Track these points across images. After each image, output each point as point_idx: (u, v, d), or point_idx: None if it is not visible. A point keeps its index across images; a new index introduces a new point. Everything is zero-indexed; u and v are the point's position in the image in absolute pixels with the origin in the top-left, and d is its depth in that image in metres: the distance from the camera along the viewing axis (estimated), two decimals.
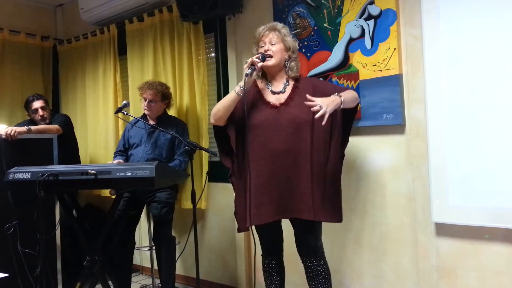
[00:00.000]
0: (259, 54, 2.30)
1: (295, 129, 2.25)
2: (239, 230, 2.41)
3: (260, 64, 2.26)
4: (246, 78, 2.23)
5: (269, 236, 2.44)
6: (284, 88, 2.36)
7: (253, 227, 2.38)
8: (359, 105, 2.67)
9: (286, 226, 2.44)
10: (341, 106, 2.18)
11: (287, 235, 2.49)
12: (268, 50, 2.32)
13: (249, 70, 2.23)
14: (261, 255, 2.51)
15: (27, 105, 3.73)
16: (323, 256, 2.38)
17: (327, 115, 2.07)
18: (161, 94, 3.33)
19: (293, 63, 2.37)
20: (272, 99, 2.34)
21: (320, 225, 2.35)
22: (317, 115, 2.06)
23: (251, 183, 2.29)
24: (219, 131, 2.44)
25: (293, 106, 2.29)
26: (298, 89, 2.34)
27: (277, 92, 2.36)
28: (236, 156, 2.37)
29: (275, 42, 2.34)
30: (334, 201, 2.32)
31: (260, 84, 2.42)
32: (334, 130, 2.30)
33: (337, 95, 2.20)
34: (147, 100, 3.29)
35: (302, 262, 2.38)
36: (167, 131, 3.09)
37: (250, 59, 2.26)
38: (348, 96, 2.24)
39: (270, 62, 2.31)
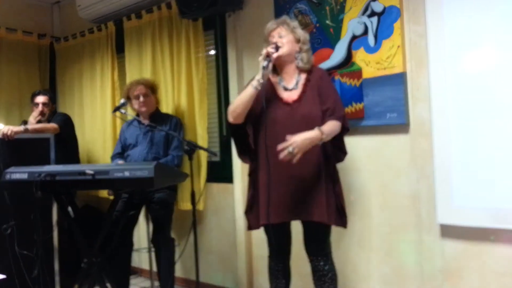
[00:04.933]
0: (273, 44, 2.25)
1: (308, 126, 2.20)
2: (250, 228, 2.38)
3: (275, 55, 2.22)
4: (263, 70, 2.18)
5: (277, 237, 2.39)
6: (296, 83, 2.32)
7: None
8: (363, 104, 2.66)
9: (293, 227, 2.42)
10: (321, 142, 2.14)
11: (293, 235, 2.47)
12: (277, 42, 2.28)
13: (265, 63, 2.19)
14: (268, 256, 2.48)
15: (32, 97, 3.79)
16: (331, 257, 2.36)
17: (296, 157, 2.07)
18: (150, 87, 3.33)
19: (304, 54, 2.33)
20: (285, 95, 2.31)
21: (329, 226, 2.32)
22: (282, 155, 2.07)
23: (261, 181, 2.27)
24: (235, 129, 2.40)
25: (306, 102, 2.26)
26: (310, 83, 2.31)
27: (290, 89, 2.32)
28: (254, 153, 2.36)
29: (284, 35, 2.31)
30: (342, 204, 2.30)
31: (273, 78, 2.37)
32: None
33: (320, 130, 2.14)
34: (140, 95, 3.25)
35: (310, 262, 2.36)
36: (162, 128, 3.10)
37: (265, 50, 2.22)
38: (332, 130, 2.19)
39: (280, 52, 2.26)
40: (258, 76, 2.20)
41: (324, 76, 2.36)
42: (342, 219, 2.30)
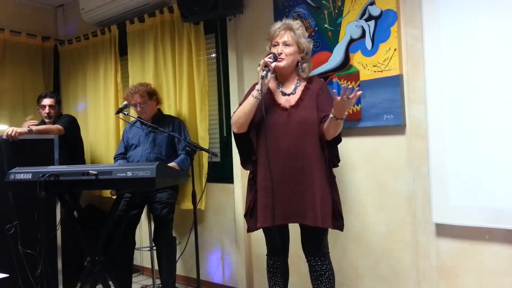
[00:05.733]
0: (271, 54, 2.27)
1: (304, 131, 2.24)
2: (249, 230, 2.41)
3: (273, 65, 2.24)
4: (262, 80, 2.20)
5: (275, 237, 2.43)
6: (295, 89, 2.34)
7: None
8: (360, 105, 2.69)
9: (291, 226, 2.44)
10: (339, 119, 2.14)
11: (291, 236, 2.49)
12: (281, 53, 2.29)
13: (264, 72, 2.20)
14: (266, 255, 2.50)
15: (38, 99, 3.81)
16: (328, 256, 2.38)
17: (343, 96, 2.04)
18: (146, 93, 3.34)
19: (305, 65, 2.35)
20: (282, 100, 2.33)
21: (326, 227, 2.33)
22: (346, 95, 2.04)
23: (259, 185, 2.30)
24: (239, 139, 2.41)
25: (303, 108, 2.27)
26: (309, 90, 2.32)
27: (288, 94, 2.34)
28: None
29: (289, 44, 2.31)
30: (339, 208, 2.31)
31: (271, 84, 2.39)
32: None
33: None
34: (138, 104, 3.29)
35: (307, 261, 2.38)
36: (164, 130, 3.12)
37: (263, 61, 2.24)
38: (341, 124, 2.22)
39: (281, 63, 2.29)
40: (258, 86, 2.23)
41: (324, 88, 2.38)
42: (339, 222, 2.32)
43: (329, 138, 2.24)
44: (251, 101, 2.27)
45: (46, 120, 3.69)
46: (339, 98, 2.05)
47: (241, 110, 2.31)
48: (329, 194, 2.27)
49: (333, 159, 2.34)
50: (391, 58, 2.59)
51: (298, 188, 2.23)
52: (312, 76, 2.46)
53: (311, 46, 2.42)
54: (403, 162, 2.63)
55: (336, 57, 2.81)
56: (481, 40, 2.31)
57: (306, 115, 2.25)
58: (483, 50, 2.30)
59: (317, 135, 2.26)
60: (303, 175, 2.24)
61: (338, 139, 2.30)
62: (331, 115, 2.13)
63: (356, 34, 2.73)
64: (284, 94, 2.35)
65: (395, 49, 2.58)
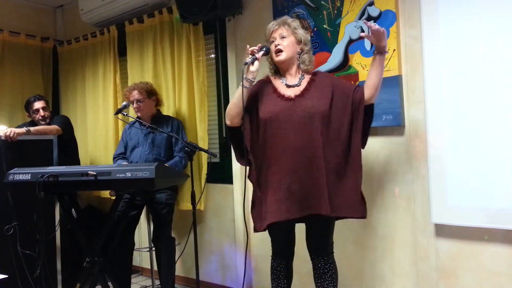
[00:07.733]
0: (260, 44, 2.27)
1: (310, 120, 2.19)
2: (256, 230, 2.31)
3: (261, 53, 2.23)
4: (246, 67, 2.20)
5: (281, 238, 2.40)
6: (300, 81, 2.32)
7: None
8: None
9: (296, 227, 2.42)
10: (383, 53, 2.19)
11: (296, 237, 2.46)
12: (279, 44, 2.28)
13: (249, 59, 2.20)
14: (271, 256, 2.46)
15: (28, 105, 3.73)
16: (332, 256, 2.36)
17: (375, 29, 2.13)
18: (145, 91, 3.33)
19: (305, 56, 2.33)
20: (287, 92, 2.29)
21: (333, 224, 2.32)
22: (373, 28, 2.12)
23: (268, 178, 2.25)
24: (234, 133, 2.38)
25: (309, 97, 2.24)
26: (314, 82, 2.30)
27: (292, 86, 2.31)
28: (253, 152, 2.30)
29: (285, 36, 2.30)
30: (355, 195, 2.25)
31: (274, 80, 2.38)
32: (356, 121, 2.24)
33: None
34: (135, 100, 3.29)
35: (311, 260, 2.37)
36: (163, 130, 3.11)
37: (248, 48, 2.24)
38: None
39: (281, 56, 2.28)
40: (249, 75, 2.22)
41: (333, 77, 2.37)
42: (360, 209, 2.26)
43: (373, 92, 2.21)
44: (239, 90, 2.26)
45: (42, 123, 3.64)
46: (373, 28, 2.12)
47: (231, 102, 2.31)
48: (340, 183, 2.21)
49: (363, 139, 2.29)
50: (390, 59, 2.59)
51: (309, 177, 2.17)
52: (317, 70, 2.43)
53: (309, 37, 2.40)
54: (402, 163, 2.63)
55: (335, 58, 2.82)
56: (480, 41, 2.31)
57: (311, 103, 2.21)
58: (482, 51, 2.30)
59: (324, 125, 2.20)
60: (313, 164, 2.17)
61: (373, 111, 2.29)
62: (374, 55, 2.17)
63: (355, 34, 2.73)
64: (288, 86, 2.31)
65: (394, 50, 2.58)
